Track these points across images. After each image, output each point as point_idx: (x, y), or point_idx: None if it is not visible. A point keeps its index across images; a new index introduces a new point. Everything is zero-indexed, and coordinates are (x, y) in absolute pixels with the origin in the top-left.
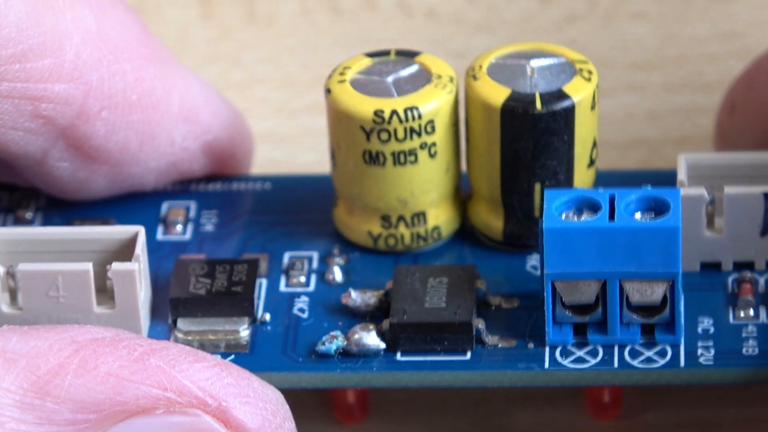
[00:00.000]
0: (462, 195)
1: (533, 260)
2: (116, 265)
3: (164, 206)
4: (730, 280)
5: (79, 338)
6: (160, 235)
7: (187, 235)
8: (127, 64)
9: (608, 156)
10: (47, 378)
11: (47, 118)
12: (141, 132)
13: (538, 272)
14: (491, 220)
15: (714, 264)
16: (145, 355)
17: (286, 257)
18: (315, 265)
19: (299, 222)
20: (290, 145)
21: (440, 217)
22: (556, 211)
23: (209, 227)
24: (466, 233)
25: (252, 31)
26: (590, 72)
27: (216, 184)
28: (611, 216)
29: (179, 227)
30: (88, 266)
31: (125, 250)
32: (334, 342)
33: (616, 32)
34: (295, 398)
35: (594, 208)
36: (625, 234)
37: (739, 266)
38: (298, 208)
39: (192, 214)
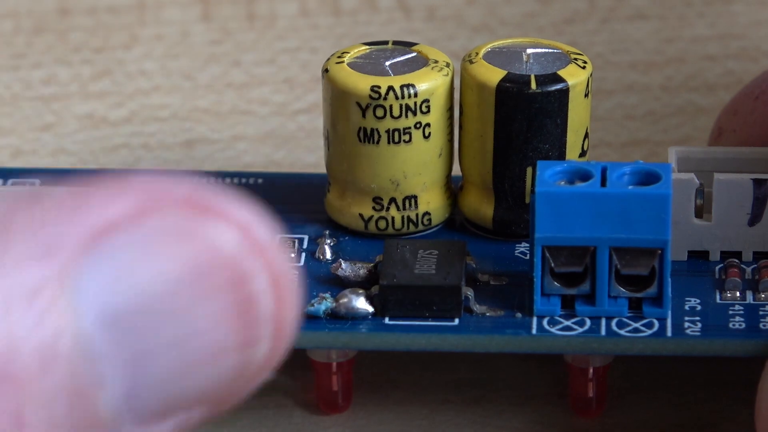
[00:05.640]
0: (453, 188)
1: (522, 247)
2: None
3: None
4: (717, 268)
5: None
6: None
7: None
8: None
9: (608, 156)
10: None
11: None
12: None
13: (527, 257)
14: (481, 207)
15: (701, 253)
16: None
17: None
18: (305, 245)
19: (290, 210)
20: (291, 146)
21: (431, 204)
22: (548, 178)
23: None
24: (455, 226)
25: (252, 32)
26: (585, 62)
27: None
28: (603, 184)
29: None
30: None
31: None
32: (323, 303)
33: (616, 32)
34: (277, 387)
35: (586, 178)
36: (617, 199)
37: (726, 256)
38: (289, 199)
39: None
